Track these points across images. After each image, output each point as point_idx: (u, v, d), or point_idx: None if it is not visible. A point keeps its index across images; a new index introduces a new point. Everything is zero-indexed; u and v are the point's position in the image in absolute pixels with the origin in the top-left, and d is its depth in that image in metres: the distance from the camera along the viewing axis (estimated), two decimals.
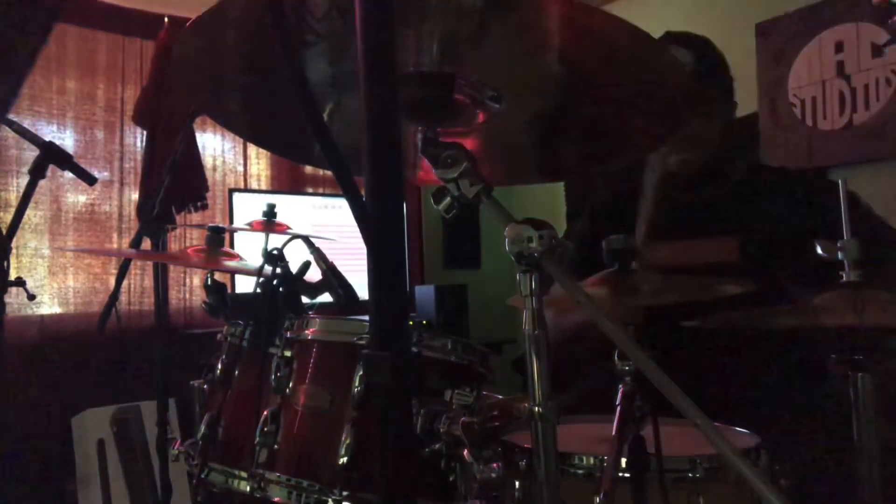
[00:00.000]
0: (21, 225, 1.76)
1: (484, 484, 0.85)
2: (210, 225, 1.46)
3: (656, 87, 0.83)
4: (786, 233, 1.42)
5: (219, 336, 1.21)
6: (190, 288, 3.22)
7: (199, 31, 0.74)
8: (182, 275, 3.20)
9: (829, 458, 1.16)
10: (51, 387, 2.76)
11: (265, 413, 1.03)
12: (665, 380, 0.59)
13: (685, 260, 1.47)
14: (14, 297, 2.28)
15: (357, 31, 0.55)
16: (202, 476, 1.07)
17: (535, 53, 0.78)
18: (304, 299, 1.22)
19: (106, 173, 3.04)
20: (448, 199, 0.79)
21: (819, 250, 0.87)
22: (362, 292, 0.69)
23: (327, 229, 3.26)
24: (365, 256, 0.55)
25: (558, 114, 0.92)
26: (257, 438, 1.02)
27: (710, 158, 1.53)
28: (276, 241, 1.31)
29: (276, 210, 1.53)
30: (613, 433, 0.88)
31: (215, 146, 3.35)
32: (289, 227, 1.53)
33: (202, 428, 1.11)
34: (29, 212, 1.81)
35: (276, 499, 0.99)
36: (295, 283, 1.18)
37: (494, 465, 0.86)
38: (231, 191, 3.16)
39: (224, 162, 3.38)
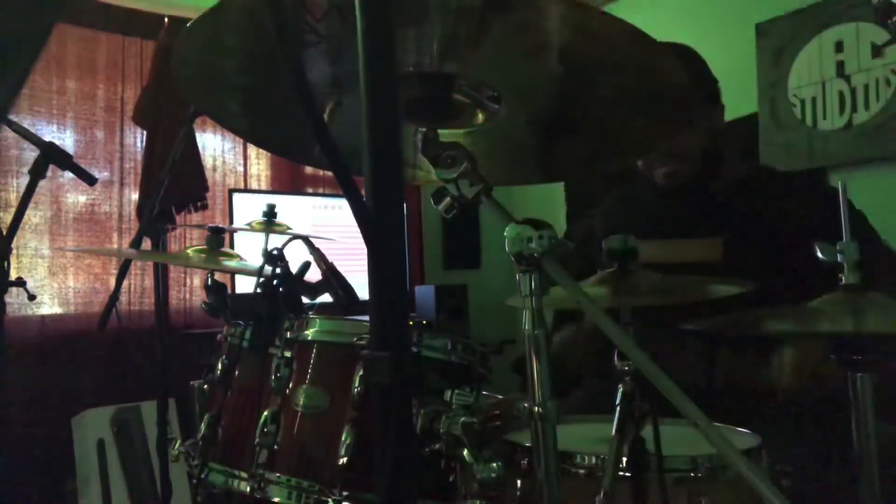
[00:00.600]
0: (21, 225, 1.76)
1: (484, 484, 0.85)
2: (210, 225, 1.46)
3: (656, 87, 0.83)
4: (785, 235, 1.42)
5: (219, 336, 1.21)
6: (190, 288, 3.22)
7: (199, 31, 0.74)
8: (182, 275, 3.20)
9: (829, 458, 1.16)
10: (51, 387, 2.76)
11: (265, 413, 1.03)
12: (665, 380, 0.59)
13: (682, 260, 1.47)
14: (14, 297, 2.28)
15: (357, 31, 0.55)
16: (202, 476, 1.07)
17: (535, 53, 0.78)
18: (304, 299, 1.22)
19: (106, 173, 3.04)
20: (448, 199, 0.79)
21: (818, 253, 0.87)
22: (362, 292, 0.69)
23: (327, 229, 3.26)
24: (365, 256, 0.55)
25: (558, 114, 0.92)
26: (257, 438, 1.02)
27: (698, 166, 1.53)
28: (276, 241, 1.31)
29: (276, 210, 1.53)
30: (613, 433, 0.88)
31: (215, 146, 3.35)
32: (289, 228, 1.53)
33: (202, 428, 1.11)
34: (29, 212, 1.81)
35: (275, 499, 0.99)
36: (295, 283, 1.18)
37: (494, 465, 0.86)
38: (231, 191, 3.16)
39: (224, 162, 3.38)
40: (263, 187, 3.49)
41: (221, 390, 1.14)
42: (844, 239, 0.86)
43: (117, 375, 2.85)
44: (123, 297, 2.98)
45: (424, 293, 3.50)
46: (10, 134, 2.51)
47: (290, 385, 1.05)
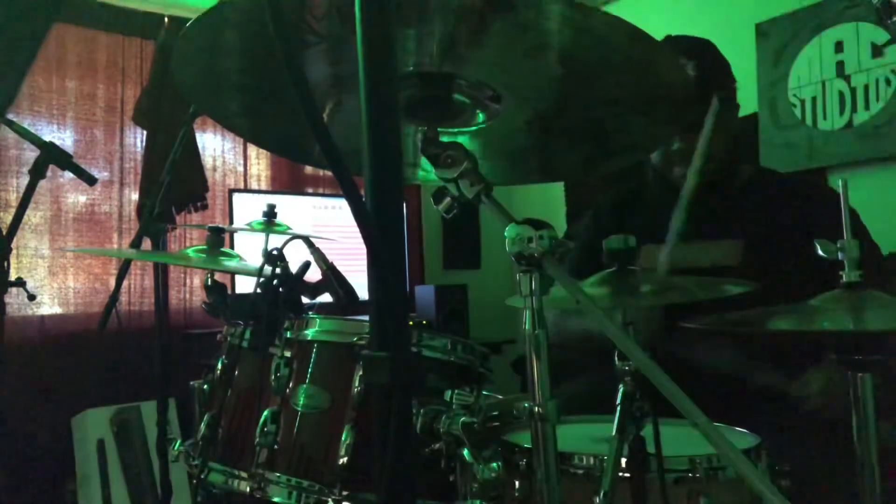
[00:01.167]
0: (21, 225, 1.76)
1: (484, 484, 0.85)
2: (210, 225, 1.46)
3: (656, 87, 0.83)
4: (786, 235, 1.42)
5: (219, 336, 1.21)
6: (190, 288, 3.22)
7: (199, 31, 0.74)
8: (182, 275, 3.20)
9: (829, 458, 1.16)
10: (51, 387, 2.76)
11: (265, 413, 1.03)
12: (665, 380, 0.59)
13: (698, 264, 1.47)
14: (14, 297, 2.28)
15: (357, 31, 0.55)
16: (202, 476, 1.07)
17: (535, 53, 0.78)
18: (304, 299, 1.22)
19: (106, 173, 3.04)
20: (448, 199, 0.79)
21: (819, 251, 0.87)
22: (362, 292, 0.69)
23: (327, 229, 3.26)
24: (365, 256, 0.55)
25: (558, 114, 0.92)
26: (257, 438, 1.02)
27: (722, 168, 1.53)
28: (276, 241, 1.31)
29: (276, 210, 1.53)
30: (613, 433, 0.88)
31: (215, 146, 3.35)
32: (289, 228, 1.53)
33: (202, 428, 1.11)
34: (29, 212, 1.81)
35: (275, 499, 0.99)
36: (295, 283, 1.18)
37: (494, 465, 0.86)
38: (231, 191, 3.16)
39: (224, 162, 3.38)
40: (263, 187, 3.49)
41: (221, 390, 1.14)
42: (845, 237, 0.86)
43: (117, 375, 2.85)
44: (123, 297, 2.98)
45: (424, 293, 3.50)
46: (10, 134, 2.51)
47: (290, 385, 1.05)
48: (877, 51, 2.68)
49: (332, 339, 1.07)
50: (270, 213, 1.52)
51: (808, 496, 1.07)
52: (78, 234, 2.98)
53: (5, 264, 1.73)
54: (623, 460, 0.88)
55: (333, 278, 1.22)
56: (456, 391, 1.00)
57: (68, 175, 1.99)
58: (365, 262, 0.55)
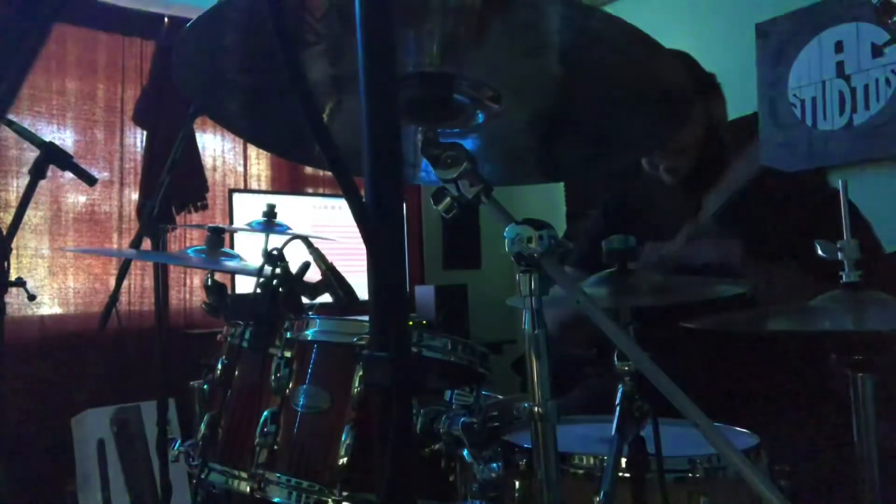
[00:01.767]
0: (21, 225, 1.76)
1: (484, 484, 0.85)
2: (210, 225, 1.46)
3: (656, 87, 0.83)
4: (787, 235, 1.42)
5: (219, 336, 1.21)
6: (190, 288, 3.22)
7: (199, 31, 0.74)
8: (182, 275, 3.20)
9: (829, 458, 1.16)
10: (51, 387, 2.76)
11: (265, 413, 1.03)
12: (665, 380, 0.59)
13: (698, 261, 1.47)
14: (14, 297, 2.28)
15: (357, 31, 0.55)
16: (202, 476, 1.07)
17: (535, 53, 0.78)
18: (304, 299, 1.22)
19: (106, 173, 3.04)
20: (448, 200, 0.79)
21: (819, 251, 0.87)
22: (362, 292, 0.69)
23: (327, 229, 3.26)
24: (365, 256, 0.55)
25: (558, 114, 0.92)
26: (257, 438, 1.02)
27: (698, 160, 1.54)
28: (276, 241, 1.31)
29: (276, 210, 1.53)
30: (613, 433, 0.88)
31: (215, 146, 3.35)
32: (288, 228, 1.53)
33: (202, 428, 1.11)
34: (29, 212, 1.81)
35: (275, 499, 0.99)
36: (295, 283, 1.18)
37: (494, 465, 0.86)
38: (231, 191, 3.16)
39: (224, 162, 3.38)
40: (263, 187, 3.49)
41: (221, 390, 1.14)
42: (845, 237, 0.86)
43: (117, 375, 2.85)
44: (123, 297, 2.98)
45: (424, 293, 3.50)
46: (10, 134, 2.51)
47: (290, 385, 1.04)
48: (877, 51, 2.68)
49: (332, 339, 1.07)
50: (270, 213, 1.52)
51: (808, 496, 1.07)
52: (78, 234, 2.98)
53: (5, 264, 1.73)
54: (623, 460, 0.88)
55: (333, 278, 1.22)
56: (456, 391, 1.00)
57: (68, 175, 1.99)
58: (365, 262, 0.55)
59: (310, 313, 1.15)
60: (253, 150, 3.48)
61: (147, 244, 1.89)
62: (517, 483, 0.95)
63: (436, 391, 1.00)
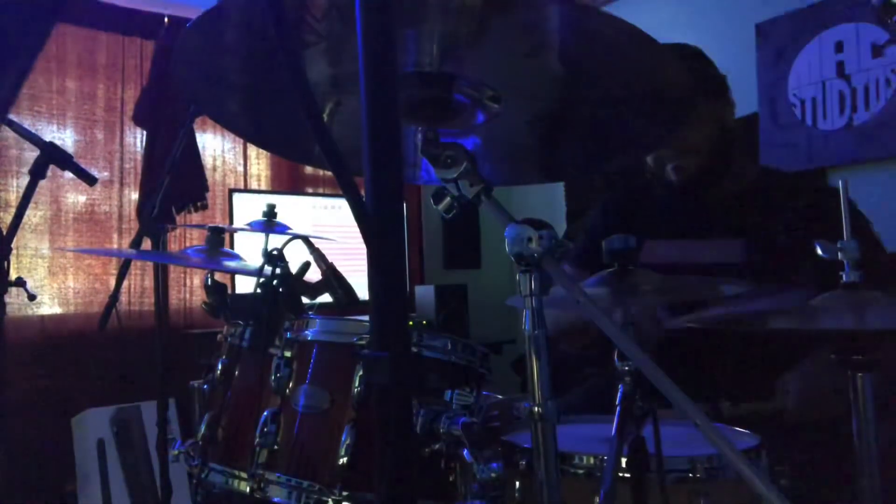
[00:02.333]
0: (21, 225, 1.76)
1: (484, 484, 0.85)
2: (210, 225, 1.46)
3: (656, 87, 0.83)
4: (788, 235, 1.43)
5: (219, 336, 1.21)
6: (190, 288, 3.22)
7: (199, 31, 0.74)
8: (182, 275, 3.20)
9: (829, 458, 1.16)
10: (51, 387, 2.76)
11: (265, 413, 1.03)
12: (665, 380, 0.59)
13: (698, 261, 1.48)
14: (14, 297, 2.27)
15: (357, 31, 0.55)
16: (202, 476, 1.07)
17: (535, 53, 0.78)
18: (304, 299, 1.22)
19: (106, 173, 3.04)
20: (448, 199, 0.79)
21: (819, 251, 0.87)
22: (362, 292, 0.69)
23: (327, 229, 3.26)
24: (365, 256, 0.55)
25: (558, 114, 0.92)
26: (257, 438, 1.02)
27: (707, 161, 1.54)
28: (276, 241, 1.31)
29: (276, 210, 1.53)
30: (613, 433, 0.88)
31: (215, 146, 3.35)
32: (288, 228, 1.53)
33: (202, 428, 1.11)
34: (29, 212, 1.81)
35: (275, 499, 0.99)
36: (295, 283, 1.18)
37: (494, 465, 0.86)
38: (231, 191, 3.16)
39: (224, 162, 3.38)
40: (263, 187, 3.49)
41: (221, 390, 1.14)
42: (845, 237, 0.86)
43: (117, 375, 2.85)
44: (123, 297, 2.98)
45: (424, 293, 3.50)
46: (10, 134, 2.51)
47: (290, 385, 1.05)
48: (877, 51, 2.68)
49: (332, 339, 1.07)
50: (270, 213, 1.52)
51: (808, 496, 1.07)
52: (78, 234, 2.98)
53: (5, 264, 1.73)
54: (623, 460, 0.88)
55: (333, 278, 1.22)
56: (456, 391, 1.00)
57: (68, 175, 1.99)
58: (365, 262, 0.55)
59: (310, 313, 1.15)
60: (253, 150, 3.48)
61: (147, 244, 1.89)
62: (517, 483, 0.95)
63: (436, 391, 1.00)
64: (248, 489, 1.02)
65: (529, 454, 0.92)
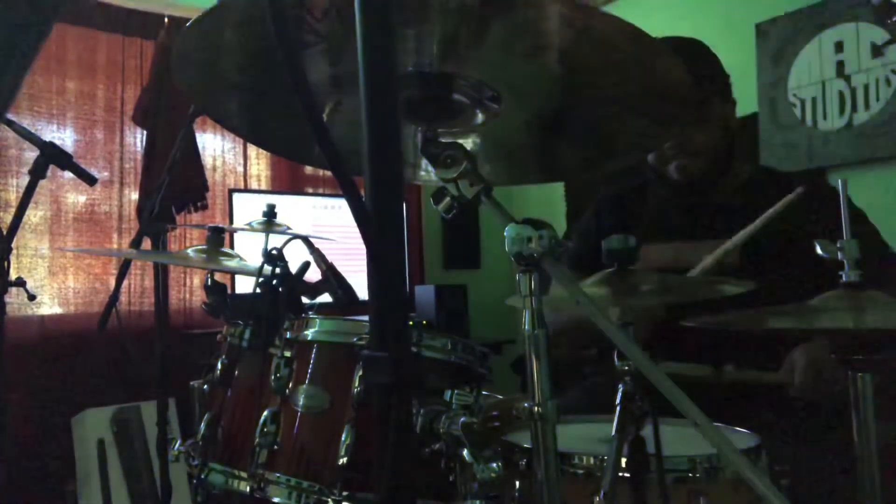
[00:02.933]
0: (21, 225, 1.76)
1: (484, 484, 0.85)
2: (210, 225, 1.46)
3: (656, 87, 0.83)
4: (788, 235, 1.42)
5: (219, 336, 1.21)
6: (190, 288, 3.22)
7: (199, 31, 0.74)
8: (182, 275, 3.20)
9: (829, 458, 1.16)
10: (51, 387, 2.76)
11: (265, 413, 1.03)
12: (665, 380, 0.59)
13: (688, 261, 1.47)
14: (14, 297, 2.27)
15: (357, 31, 0.55)
16: (202, 476, 1.07)
17: (535, 53, 0.78)
18: (304, 299, 1.21)
19: (106, 173, 3.04)
20: (448, 199, 0.79)
21: (819, 250, 0.87)
22: (362, 292, 0.69)
23: (327, 229, 3.26)
24: (365, 256, 0.55)
25: (558, 114, 0.92)
26: (257, 438, 1.02)
27: (711, 162, 1.54)
28: (275, 241, 1.31)
29: (276, 210, 1.53)
30: (613, 433, 0.88)
31: (215, 146, 3.35)
32: (288, 228, 1.53)
33: (202, 428, 1.11)
34: (29, 212, 1.81)
35: (275, 499, 0.99)
36: (295, 283, 1.18)
37: (494, 465, 0.86)
38: (231, 191, 3.16)
39: (224, 162, 3.38)
40: (263, 187, 3.49)
41: (221, 390, 1.14)
42: (845, 237, 0.86)
43: (117, 375, 2.85)
44: (123, 297, 2.98)
45: (424, 293, 3.50)
46: (10, 134, 2.51)
47: (290, 385, 1.04)
48: (877, 51, 2.68)
49: (332, 339, 1.07)
50: (270, 213, 1.52)
51: (808, 496, 1.07)
52: (78, 234, 2.98)
53: (5, 264, 1.73)
54: (623, 460, 0.88)
55: (333, 278, 1.23)
56: (456, 391, 1.00)
57: (68, 175, 1.99)
58: (365, 262, 0.55)
59: (310, 313, 1.15)
60: (253, 150, 3.48)
61: (147, 244, 1.89)
62: (517, 483, 0.95)
63: (436, 391, 1.00)
64: (248, 489, 1.02)
65: (529, 454, 0.92)
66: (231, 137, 3.38)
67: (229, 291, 1.38)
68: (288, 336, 1.07)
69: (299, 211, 3.25)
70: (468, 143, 0.98)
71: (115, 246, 3.05)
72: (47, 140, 1.80)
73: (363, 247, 0.54)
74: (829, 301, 0.87)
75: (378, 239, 0.55)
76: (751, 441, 1.01)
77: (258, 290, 1.14)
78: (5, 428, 2.29)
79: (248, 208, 3.08)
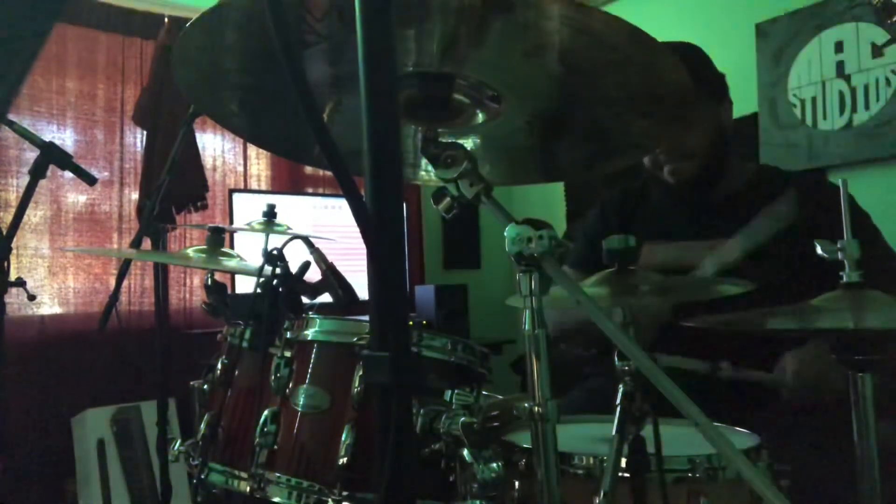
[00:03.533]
0: (21, 225, 1.76)
1: (484, 484, 0.85)
2: (210, 225, 1.46)
3: (656, 87, 0.83)
4: (789, 235, 1.42)
5: (219, 336, 1.21)
6: (190, 288, 3.22)
7: (199, 31, 0.74)
8: (182, 275, 3.20)
9: (829, 458, 1.16)
10: (51, 387, 2.76)
11: (265, 413, 1.03)
12: (665, 380, 0.59)
13: (690, 261, 1.47)
14: (14, 297, 2.28)
15: (357, 31, 0.55)
16: (202, 476, 1.07)
17: (535, 53, 0.78)
18: (304, 299, 1.21)
19: (106, 173, 3.04)
20: (448, 199, 0.79)
21: (819, 250, 0.87)
22: (362, 292, 0.69)
23: (327, 229, 3.26)
24: (365, 256, 0.55)
25: (558, 114, 0.92)
26: (257, 438, 1.02)
27: (705, 164, 1.53)
28: (276, 241, 1.31)
29: (276, 210, 1.53)
30: (613, 433, 0.88)
31: (215, 146, 3.35)
32: (289, 228, 1.53)
33: (202, 428, 1.11)
34: (29, 212, 1.81)
35: (275, 499, 0.99)
36: (295, 283, 1.18)
37: (494, 465, 0.86)
38: (231, 191, 3.16)
39: (224, 162, 3.38)
40: (263, 187, 3.49)
41: (221, 390, 1.14)
42: (845, 237, 0.86)
43: (117, 375, 2.85)
44: (123, 297, 2.98)
45: (424, 293, 3.50)
46: (10, 134, 2.51)
47: (290, 385, 1.04)
48: (877, 51, 2.68)
49: (332, 339, 1.07)
50: (270, 213, 1.52)
51: (808, 496, 1.07)
52: (78, 234, 2.98)
53: (5, 264, 1.73)
54: (623, 460, 0.88)
55: (333, 278, 1.23)
56: (456, 391, 1.00)
57: (68, 175, 1.99)
58: (365, 262, 0.55)
59: (310, 313, 1.15)
60: (253, 150, 3.48)
61: (147, 244, 1.89)
62: (517, 483, 0.95)
63: (436, 391, 1.00)
64: (248, 489, 1.02)
65: (529, 454, 0.92)
66: (231, 137, 3.38)
67: (229, 291, 1.38)
68: (288, 336, 1.07)
69: (299, 211, 3.25)
70: (468, 143, 0.98)
71: (115, 246, 3.05)
72: (47, 140, 1.80)
73: (363, 247, 0.54)
74: (829, 301, 0.87)
75: (378, 239, 0.55)
76: (751, 441, 1.01)
77: (258, 290, 1.14)
78: (5, 428, 2.29)
79: (248, 208, 3.08)
